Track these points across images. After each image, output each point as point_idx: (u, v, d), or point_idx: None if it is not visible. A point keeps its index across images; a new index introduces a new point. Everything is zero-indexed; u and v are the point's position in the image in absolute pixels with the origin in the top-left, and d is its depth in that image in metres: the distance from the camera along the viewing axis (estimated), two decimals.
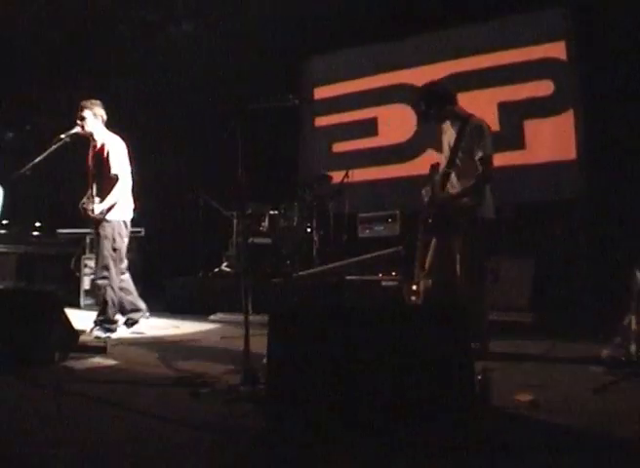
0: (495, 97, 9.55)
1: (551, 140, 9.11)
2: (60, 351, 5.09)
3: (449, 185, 5.37)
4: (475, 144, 5.23)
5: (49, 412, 3.64)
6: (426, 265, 5.44)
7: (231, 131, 4.56)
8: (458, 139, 5.35)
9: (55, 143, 6.69)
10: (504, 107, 9.47)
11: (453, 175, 5.38)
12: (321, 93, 11.57)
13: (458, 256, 5.31)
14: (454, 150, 5.37)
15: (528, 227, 8.50)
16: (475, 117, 5.45)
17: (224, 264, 9.99)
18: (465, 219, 5.27)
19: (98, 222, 6.61)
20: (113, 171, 6.63)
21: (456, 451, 2.80)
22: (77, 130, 6.71)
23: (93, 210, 6.55)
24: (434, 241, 5.46)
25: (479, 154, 5.20)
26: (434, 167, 5.43)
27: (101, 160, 6.67)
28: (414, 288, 5.32)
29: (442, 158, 5.58)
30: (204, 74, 10.91)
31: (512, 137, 9.30)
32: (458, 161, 5.35)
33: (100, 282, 6.60)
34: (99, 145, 6.73)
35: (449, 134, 5.54)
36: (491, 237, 5.42)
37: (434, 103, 5.50)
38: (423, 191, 5.47)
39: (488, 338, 5.26)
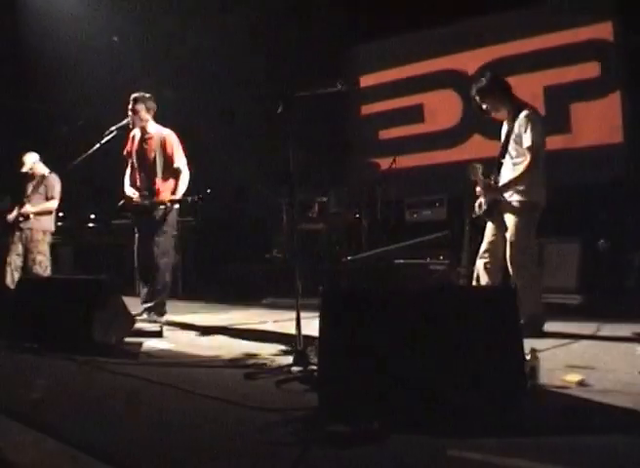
0: (541, 81, 9.52)
1: (598, 123, 9.06)
2: (118, 335, 5.29)
3: (501, 175, 5.48)
4: (524, 133, 5.32)
5: (107, 394, 3.81)
6: (481, 248, 5.60)
7: (279, 118, 4.65)
8: (510, 129, 5.48)
9: (106, 136, 6.86)
10: (551, 91, 9.44)
11: (505, 165, 5.51)
12: (367, 80, 11.63)
13: (507, 241, 5.41)
14: (506, 140, 5.52)
15: (574, 210, 8.46)
16: (528, 106, 5.52)
17: (275, 250, 10.15)
18: (515, 205, 5.39)
19: (165, 211, 6.68)
20: (177, 163, 6.81)
21: (505, 432, 2.85)
22: (128, 122, 6.85)
23: (165, 199, 6.67)
24: (489, 225, 5.60)
25: (527, 143, 5.29)
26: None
27: (164, 152, 6.81)
28: (461, 270, 5.42)
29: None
30: (251, 62, 11.00)
31: (559, 121, 9.26)
32: (510, 150, 5.47)
33: (162, 266, 6.74)
34: (156, 138, 6.84)
35: (506, 123, 5.65)
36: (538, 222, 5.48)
37: (492, 94, 5.56)
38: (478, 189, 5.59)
39: (542, 320, 5.36)
